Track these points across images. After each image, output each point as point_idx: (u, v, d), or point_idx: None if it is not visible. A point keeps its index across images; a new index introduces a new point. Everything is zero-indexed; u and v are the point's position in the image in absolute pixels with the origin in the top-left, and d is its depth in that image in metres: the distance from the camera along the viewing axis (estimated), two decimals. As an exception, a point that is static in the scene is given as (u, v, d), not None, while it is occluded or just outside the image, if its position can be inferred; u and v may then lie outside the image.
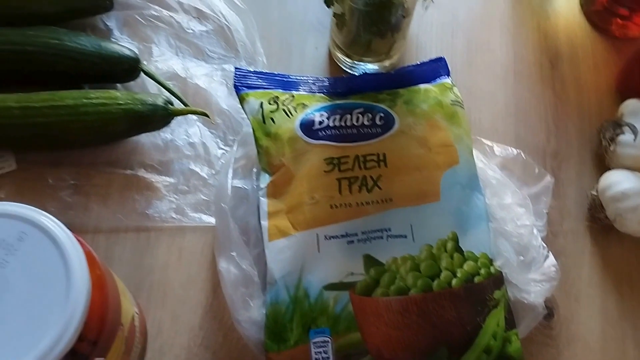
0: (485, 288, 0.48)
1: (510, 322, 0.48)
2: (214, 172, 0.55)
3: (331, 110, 0.52)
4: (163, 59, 0.59)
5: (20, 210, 0.34)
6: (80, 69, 0.54)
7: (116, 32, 0.59)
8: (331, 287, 0.47)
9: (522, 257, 0.50)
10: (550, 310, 0.53)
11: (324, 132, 0.51)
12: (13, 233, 0.33)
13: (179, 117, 0.56)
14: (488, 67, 0.62)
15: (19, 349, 0.31)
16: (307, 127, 0.51)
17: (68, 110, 0.51)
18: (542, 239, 0.51)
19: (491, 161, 0.55)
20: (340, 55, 0.60)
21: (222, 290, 0.49)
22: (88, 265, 0.34)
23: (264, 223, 0.49)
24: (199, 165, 0.56)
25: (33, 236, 0.33)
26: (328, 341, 0.45)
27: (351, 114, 0.52)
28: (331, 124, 0.51)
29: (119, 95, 0.53)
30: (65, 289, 0.32)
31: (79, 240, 0.35)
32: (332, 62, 0.61)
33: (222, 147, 0.57)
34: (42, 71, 0.54)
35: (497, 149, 0.55)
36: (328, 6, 0.50)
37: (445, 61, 0.57)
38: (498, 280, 0.49)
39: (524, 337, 0.49)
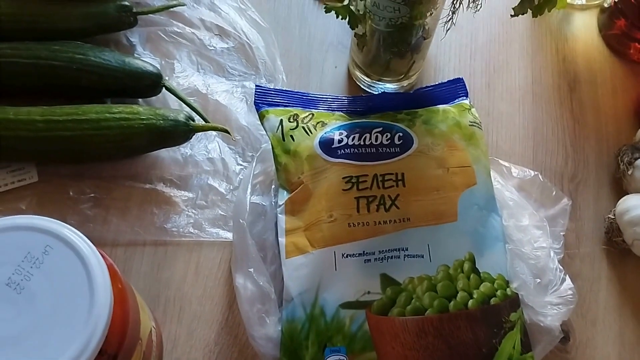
0: (501, 310, 0.48)
1: (526, 345, 0.48)
2: (232, 188, 0.56)
3: (350, 129, 0.53)
4: (184, 75, 0.60)
5: (46, 224, 0.34)
6: (103, 84, 0.55)
7: (139, 48, 0.60)
8: (347, 305, 0.47)
9: (538, 280, 0.50)
10: (566, 333, 0.53)
11: (343, 151, 0.51)
12: (38, 246, 0.34)
13: (199, 133, 0.56)
14: (506, 89, 0.63)
15: None
16: (327, 145, 0.52)
17: (91, 124, 0.52)
18: (559, 262, 0.51)
19: (508, 182, 0.55)
20: (359, 75, 0.60)
21: (238, 306, 0.49)
22: (110, 279, 0.34)
23: (282, 240, 0.50)
24: (218, 181, 0.56)
25: (58, 250, 0.34)
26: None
27: (370, 133, 0.52)
28: (350, 143, 0.52)
29: (141, 110, 0.53)
30: (89, 304, 0.32)
31: (101, 254, 0.35)
32: (351, 81, 0.62)
33: (241, 163, 0.57)
34: (66, 85, 0.55)
35: (515, 170, 0.55)
36: (352, 28, 0.51)
37: (464, 82, 0.58)
38: (514, 302, 0.49)
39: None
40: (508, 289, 0.49)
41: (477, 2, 0.50)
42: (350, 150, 0.52)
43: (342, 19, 0.49)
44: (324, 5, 0.50)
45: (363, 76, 0.60)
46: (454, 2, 0.49)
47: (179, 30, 0.61)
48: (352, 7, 0.50)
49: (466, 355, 0.46)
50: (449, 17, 0.50)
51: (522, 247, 0.51)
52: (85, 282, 0.33)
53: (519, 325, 0.48)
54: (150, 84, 0.56)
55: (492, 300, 0.48)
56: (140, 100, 0.58)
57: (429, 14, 0.51)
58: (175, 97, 0.57)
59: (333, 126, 0.53)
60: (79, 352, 0.31)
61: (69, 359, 0.31)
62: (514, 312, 0.48)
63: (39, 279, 0.33)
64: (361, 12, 0.51)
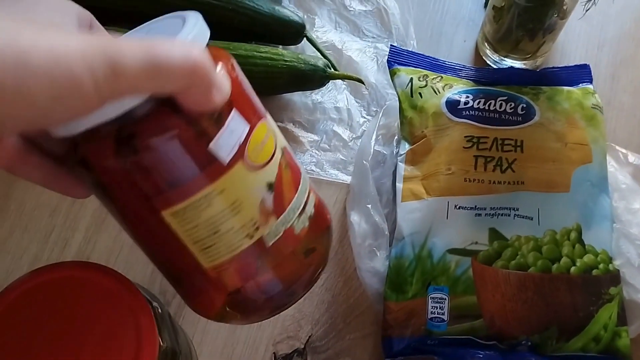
0: (601, 282, 0.50)
1: (622, 319, 0.49)
2: (354, 137, 0.60)
3: (476, 94, 0.56)
4: (323, 31, 0.65)
5: None
6: (253, 26, 0.60)
7: (286, 1, 0.66)
8: (454, 251, 0.50)
9: (643, 261, 0.51)
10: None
11: (467, 112, 0.54)
12: None
13: (330, 84, 0.61)
14: (631, 82, 0.64)
15: None
16: (452, 105, 0.55)
17: (239, 60, 0.55)
18: (666, 248, 0.52)
19: (623, 168, 0.56)
20: (487, 50, 0.63)
21: (349, 240, 0.53)
22: None
23: (399, 185, 0.53)
24: (342, 129, 0.60)
25: None
26: (445, 298, 0.48)
27: (495, 100, 0.55)
28: (475, 106, 0.55)
29: (285, 53, 0.58)
30: None
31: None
32: (477, 56, 0.65)
33: (365, 115, 0.61)
34: (220, 23, 0.61)
35: (632, 157, 0.56)
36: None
37: (590, 69, 0.59)
38: (615, 278, 0.50)
39: (634, 337, 0.50)
40: (610, 265, 0.50)
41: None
42: (474, 112, 0.55)
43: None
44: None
45: (491, 51, 0.63)
46: (599, -19, 0.51)
47: (323, -11, 0.66)
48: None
49: (563, 315, 0.48)
50: (591, -3, 0.52)
51: (630, 228, 0.52)
52: None
53: (618, 299, 0.49)
54: (294, 32, 0.61)
55: (594, 272, 0.50)
56: (280, 47, 0.63)
57: (570, -7, 0.53)
58: (313, 49, 0.62)
59: (460, 89, 0.56)
60: None
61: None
62: (614, 287, 0.50)
63: None
64: (504, -15, 0.54)
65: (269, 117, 0.33)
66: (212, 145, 0.29)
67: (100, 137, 0.28)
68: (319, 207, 0.36)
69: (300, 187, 0.34)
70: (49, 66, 0.23)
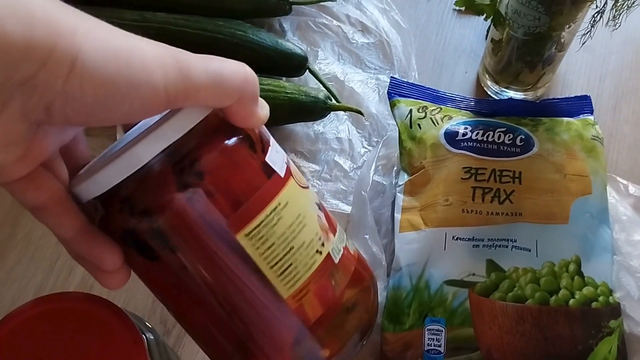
0: (601, 315, 0.49)
1: (623, 353, 0.49)
2: (355, 167, 0.61)
3: (475, 125, 0.56)
4: (326, 63, 0.66)
5: None
6: (257, 59, 0.62)
7: (289, 34, 0.67)
8: (452, 283, 0.50)
9: (643, 293, 0.51)
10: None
11: (465, 143, 0.55)
12: None
13: (332, 115, 0.62)
14: (633, 113, 0.64)
15: None
16: (451, 136, 0.55)
17: None
18: (667, 282, 0.52)
19: (624, 199, 0.56)
20: (488, 81, 0.64)
21: (348, 270, 0.53)
22: None
23: (397, 216, 0.54)
24: (343, 159, 0.61)
25: None
26: (442, 330, 0.48)
27: (493, 131, 0.56)
28: (473, 137, 0.55)
29: (287, 85, 0.59)
30: None
31: None
32: (479, 87, 0.65)
33: (366, 146, 0.62)
34: (225, 57, 0.62)
35: (632, 188, 0.56)
36: (496, 27, 0.54)
37: (590, 100, 0.60)
38: (615, 310, 0.50)
39: (635, 371, 0.49)
40: (611, 297, 0.50)
41: (616, 21, 0.52)
42: (472, 144, 0.55)
43: (486, 17, 0.53)
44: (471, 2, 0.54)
45: (492, 83, 0.63)
46: (595, 15, 0.51)
47: (326, 22, 0.68)
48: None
49: (561, 348, 0.48)
50: (587, 30, 0.53)
51: (631, 260, 0.52)
52: None
53: (618, 332, 0.49)
54: (296, 64, 0.62)
55: (594, 304, 0.49)
56: (283, 79, 0.64)
57: (567, 26, 0.54)
58: (315, 80, 0.63)
59: (459, 121, 0.57)
60: None
61: None
62: (614, 319, 0.49)
63: None
64: (502, 18, 0.55)
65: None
66: (267, 158, 0.31)
67: (155, 174, 0.28)
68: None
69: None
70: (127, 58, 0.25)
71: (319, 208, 0.33)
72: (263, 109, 0.31)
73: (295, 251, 0.31)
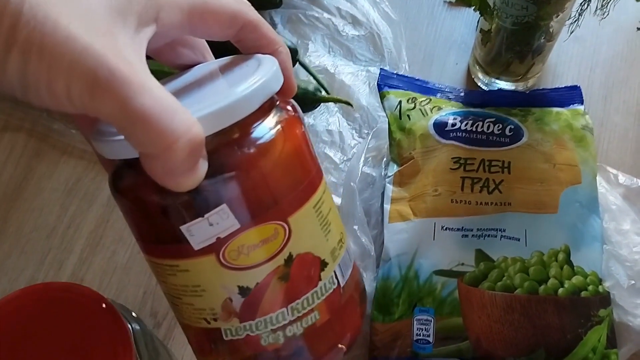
0: (590, 304, 0.49)
1: (612, 341, 0.49)
2: (345, 159, 0.61)
3: (464, 116, 0.56)
4: (316, 55, 0.66)
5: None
6: (246, 52, 0.62)
7: (280, 27, 0.67)
8: (441, 272, 0.50)
9: (633, 282, 0.51)
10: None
11: (455, 134, 0.55)
12: None
13: (322, 107, 0.62)
14: (624, 103, 0.64)
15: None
16: (440, 127, 0.55)
17: None
18: (657, 270, 0.52)
19: (614, 189, 0.56)
20: (478, 73, 0.64)
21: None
22: None
23: (387, 206, 0.54)
24: (333, 151, 0.61)
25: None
26: (431, 320, 0.48)
27: (483, 122, 0.56)
28: (462, 128, 0.55)
29: (276, 77, 0.59)
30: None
31: None
32: (469, 78, 0.65)
33: (356, 138, 0.62)
34: (214, 48, 0.62)
35: (622, 178, 0.56)
36: (481, 14, 0.54)
37: (581, 90, 0.60)
38: (605, 299, 0.50)
39: (625, 360, 0.49)
40: (600, 286, 0.50)
41: (604, 10, 0.52)
42: (462, 134, 0.55)
43: (472, 5, 0.53)
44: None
45: (482, 74, 0.63)
46: (582, 4, 0.51)
47: (317, 15, 0.67)
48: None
49: (550, 337, 0.48)
50: (575, 19, 0.53)
51: (620, 249, 0.52)
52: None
53: (607, 321, 0.49)
54: (286, 56, 0.62)
55: (583, 293, 0.49)
56: (274, 72, 0.64)
57: (555, 16, 0.53)
58: (306, 72, 0.63)
59: (448, 111, 0.57)
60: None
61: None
62: (604, 309, 0.49)
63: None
64: (489, 8, 0.55)
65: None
66: (183, 227, 0.28)
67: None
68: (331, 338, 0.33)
69: (295, 305, 0.31)
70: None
71: (243, 293, 0.31)
72: (184, 178, 0.26)
73: (182, 303, 0.32)
